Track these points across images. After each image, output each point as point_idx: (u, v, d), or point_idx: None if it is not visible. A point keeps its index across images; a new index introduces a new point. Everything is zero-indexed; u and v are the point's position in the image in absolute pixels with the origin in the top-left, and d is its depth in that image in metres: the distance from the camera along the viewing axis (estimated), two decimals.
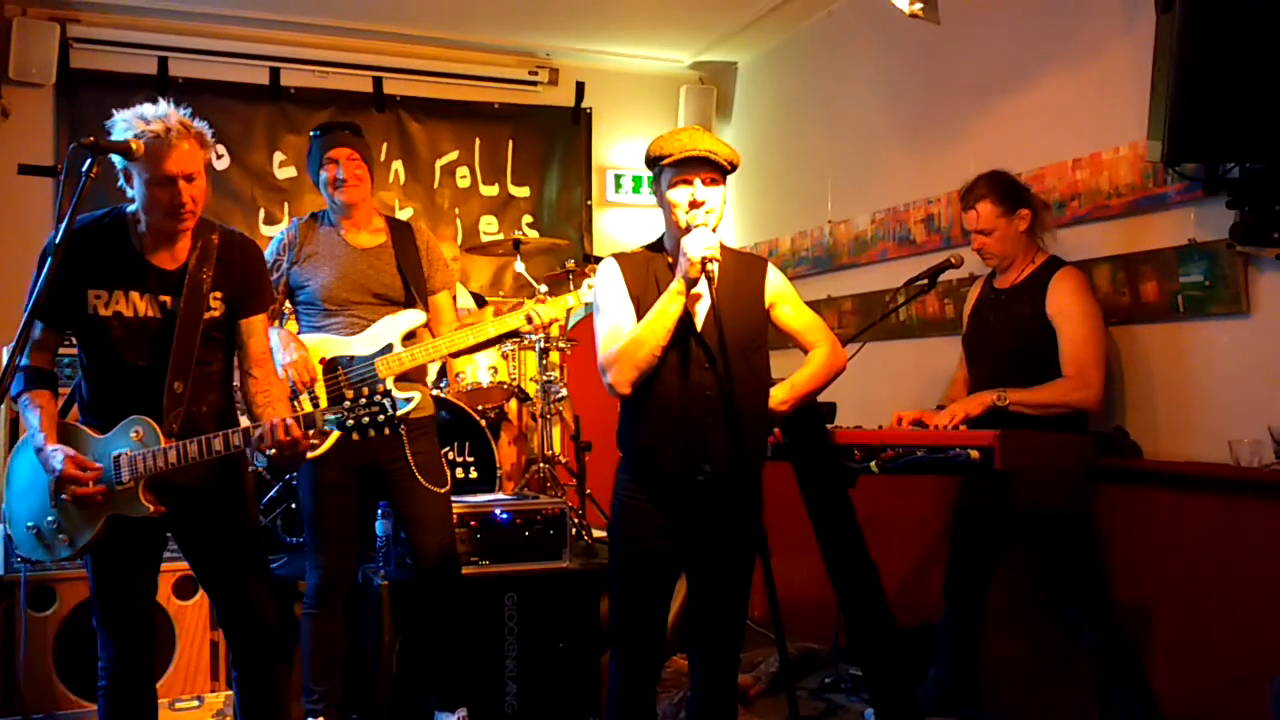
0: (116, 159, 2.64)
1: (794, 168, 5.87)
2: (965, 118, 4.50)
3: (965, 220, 3.63)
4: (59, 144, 5.42)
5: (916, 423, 3.43)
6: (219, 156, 5.76)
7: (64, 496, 2.70)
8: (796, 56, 5.93)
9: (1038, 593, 3.69)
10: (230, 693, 3.73)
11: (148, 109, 2.67)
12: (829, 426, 3.34)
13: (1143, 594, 3.42)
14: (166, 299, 2.77)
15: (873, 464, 3.18)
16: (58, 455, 2.67)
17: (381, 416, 2.76)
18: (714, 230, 2.74)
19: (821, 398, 3.22)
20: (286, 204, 5.89)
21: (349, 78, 6.05)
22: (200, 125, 2.74)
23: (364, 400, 2.76)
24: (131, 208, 2.78)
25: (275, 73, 5.89)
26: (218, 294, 2.84)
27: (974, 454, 2.98)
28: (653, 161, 2.79)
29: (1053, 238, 3.63)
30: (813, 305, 2.98)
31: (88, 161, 2.51)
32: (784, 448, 3.24)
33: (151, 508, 2.73)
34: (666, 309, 2.68)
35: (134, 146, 2.57)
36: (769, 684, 4.28)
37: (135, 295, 2.76)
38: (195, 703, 3.66)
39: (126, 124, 2.65)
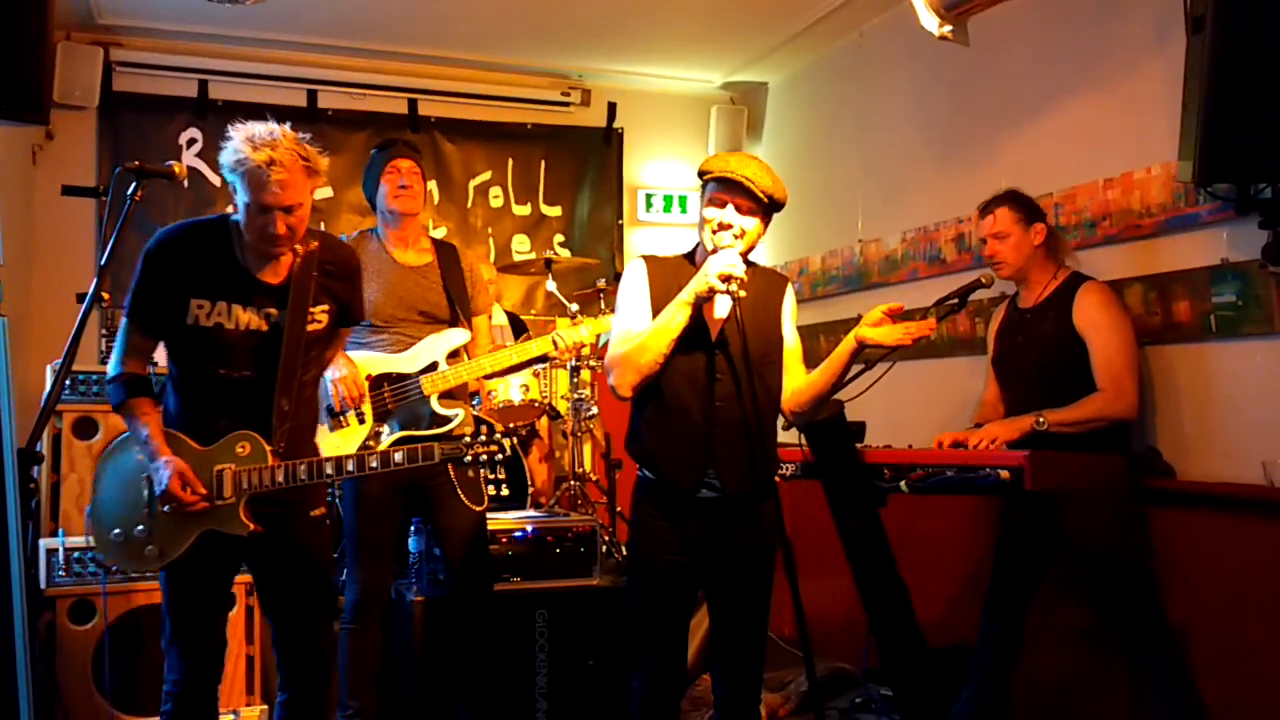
0: (225, 173, 2.60)
1: (825, 187, 5.88)
2: (996, 138, 4.50)
3: (981, 226, 3.65)
4: (101, 165, 5.51)
5: (957, 444, 3.40)
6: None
7: (166, 509, 2.64)
8: (827, 77, 5.95)
9: (1074, 613, 3.67)
10: (265, 707, 3.78)
11: (259, 131, 2.60)
12: (858, 445, 3.35)
13: (1181, 615, 3.39)
14: (272, 311, 2.72)
15: (902, 483, 3.18)
16: (168, 470, 2.61)
17: (500, 456, 2.84)
18: (742, 255, 2.76)
19: (851, 417, 3.23)
20: (323, 224, 5.94)
21: (385, 99, 6.12)
22: (312, 151, 2.65)
23: (483, 438, 2.83)
24: (236, 216, 2.72)
25: (313, 95, 5.97)
26: (324, 306, 2.79)
27: (1004, 474, 2.98)
28: (701, 174, 2.83)
29: (1075, 260, 3.62)
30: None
31: (132, 185, 2.55)
32: (813, 466, 3.25)
33: (252, 527, 2.68)
34: (672, 319, 2.71)
35: (177, 170, 2.61)
36: (799, 703, 4.27)
37: (238, 308, 2.70)
38: (232, 717, 3.70)
39: (234, 148, 2.59)
